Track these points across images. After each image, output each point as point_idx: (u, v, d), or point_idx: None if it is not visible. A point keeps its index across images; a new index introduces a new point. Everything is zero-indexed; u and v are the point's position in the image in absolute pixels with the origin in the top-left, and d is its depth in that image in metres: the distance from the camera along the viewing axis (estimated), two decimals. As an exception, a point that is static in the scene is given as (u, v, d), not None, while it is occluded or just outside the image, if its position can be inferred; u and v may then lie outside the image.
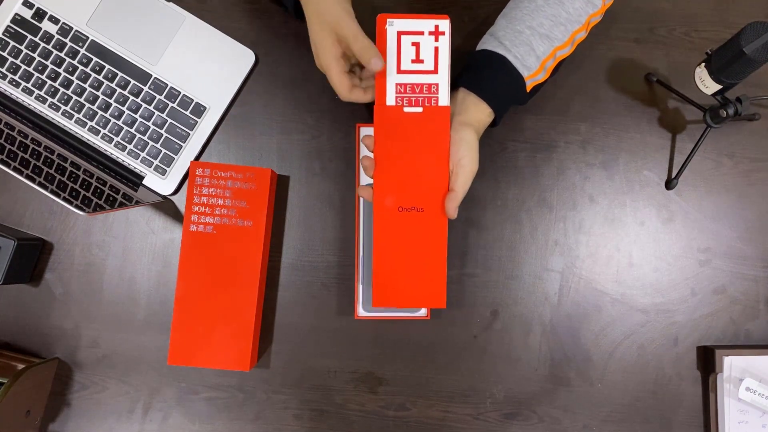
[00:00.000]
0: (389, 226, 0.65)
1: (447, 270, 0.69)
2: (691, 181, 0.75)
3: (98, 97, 0.75)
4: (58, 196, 0.73)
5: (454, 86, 0.66)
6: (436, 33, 0.64)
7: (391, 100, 0.63)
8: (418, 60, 0.63)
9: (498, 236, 0.74)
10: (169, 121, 0.75)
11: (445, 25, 0.63)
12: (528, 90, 0.65)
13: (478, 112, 0.65)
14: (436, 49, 0.64)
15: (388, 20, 0.63)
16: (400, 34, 0.63)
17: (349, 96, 0.63)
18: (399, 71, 0.63)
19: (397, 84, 0.63)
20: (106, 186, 0.74)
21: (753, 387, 0.70)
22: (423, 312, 0.71)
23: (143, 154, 0.75)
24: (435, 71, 0.64)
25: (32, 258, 0.75)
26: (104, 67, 0.75)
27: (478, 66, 0.65)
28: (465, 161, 0.63)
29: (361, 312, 0.71)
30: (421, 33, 0.64)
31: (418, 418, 0.73)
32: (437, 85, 0.64)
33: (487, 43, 0.66)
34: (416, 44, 0.64)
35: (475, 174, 0.64)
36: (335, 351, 0.74)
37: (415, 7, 0.77)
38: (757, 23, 0.56)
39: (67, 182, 0.74)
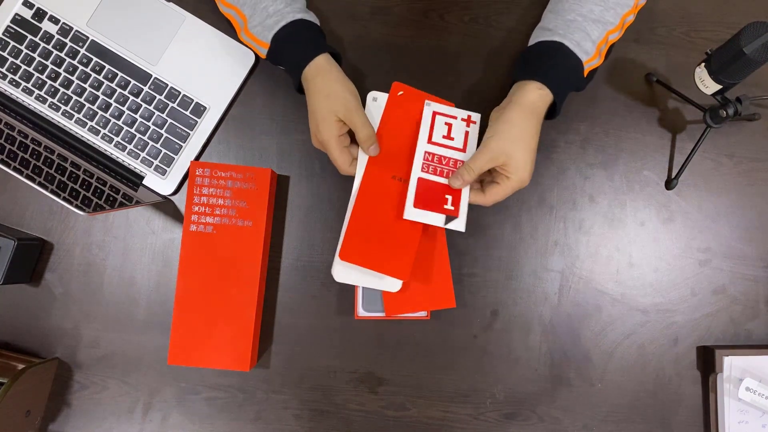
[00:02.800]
0: (376, 190, 0.68)
1: (448, 266, 0.71)
2: (691, 181, 0.75)
3: (98, 97, 0.75)
4: (58, 196, 0.73)
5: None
6: (468, 121, 0.69)
7: (417, 166, 0.67)
8: (449, 137, 0.68)
9: (498, 236, 0.74)
10: (169, 121, 0.75)
11: (476, 117, 0.69)
12: (585, 74, 0.65)
13: (526, 91, 0.64)
14: (467, 133, 0.69)
15: (426, 101, 0.69)
16: (435, 113, 0.69)
17: (348, 170, 0.67)
18: (429, 141, 0.68)
19: (426, 152, 0.67)
20: (106, 186, 0.74)
21: (753, 387, 0.70)
22: (423, 312, 0.71)
23: (143, 154, 0.75)
24: (463, 150, 0.68)
25: (32, 258, 0.75)
26: (104, 67, 0.75)
27: (534, 57, 0.66)
28: (491, 133, 0.64)
29: (361, 312, 0.71)
30: (454, 117, 0.69)
31: (418, 418, 0.73)
32: (462, 162, 0.67)
33: (539, 37, 0.66)
34: (449, 125, 0.69)
35: (506, 153, 0.63)
36: (335, 351, 0.74)
37: (414, 7, 0.77)
38: (757, 23, 0.56)
39: (67, 182, 0.74)
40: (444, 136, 0.68)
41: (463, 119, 0.69)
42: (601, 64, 0.68)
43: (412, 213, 0.65)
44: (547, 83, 0.63)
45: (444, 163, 0.67)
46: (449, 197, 0.66)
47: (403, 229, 0.67)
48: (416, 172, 0.66)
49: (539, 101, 0.64)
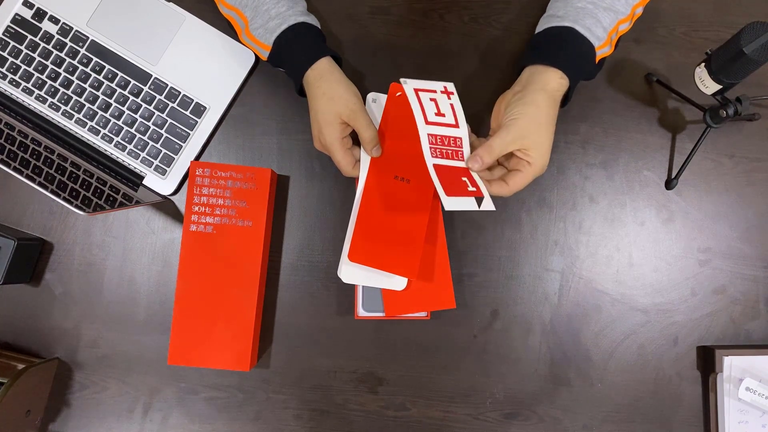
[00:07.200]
0: (380, 191, 0.68)
1: (448, 267, 0.71)
2: (691, 181, 0.75)
3: (98, 97, 0.75)
4: (58, 196, 0.73)
5: (518, 69, 0.67)
6: (447, 93, 0.67)
7: (427, 152, 0.64)
8: (440, 113, 0.66)
9: (498, 236, 0.74)
10: (169, 121, 0.75)
11: (452, 86, 0.68)
12: (596, 61, 0.65)
13: (547, 77, 0.63)
14: (452, 105, 0.67)
15: (402, 79, 0.66)
16: (416, 90, 0.66)
17: (352, 172, 0.67)
18: (426, 123, 0.65)
19: (429, 134, 0.64)
20: (106, 186, 0.74)
21: (753, 387, 0.70)
22: (423, 312, 0.71)
23: (143, 154, 0.75)
24: (456, 125, 0.66)
25: (32, 258, 0.75)
26: (104, 67, 0.75)
27: (545, 42, 0.65)
28: (516, 115, 0.61)
29: (361, 312, 0.71)
30: (434, 91, 0.67)
31: (418, 418, 0.73)
32: (460, 138, 0.66)
33: (548, 23, 0.65)
34: (434, 100, 0.66)
35: (531, 136, 0.61)
36: (335, 351, 0.74)
37: (415, 7, 0.77)
38: (757, 23, 0.56)
39: (67, 182, 0.74)
40: (436, 114, 0.66)
41: (442, 92, 0.67)
42: (609, 55, 0.67)
43: (450, 203, 0.59)
44: (563, 69, 0.63)
45: (447, 143, 0.65)
46: (465, 179, 0.62)
47: (408, 228, 0.68)
48: (429, 160, 0.62)
49: (560, 89, 0.64)
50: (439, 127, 0.65)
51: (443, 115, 0.66)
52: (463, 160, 0.65)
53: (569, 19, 0.64)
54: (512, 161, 0.65)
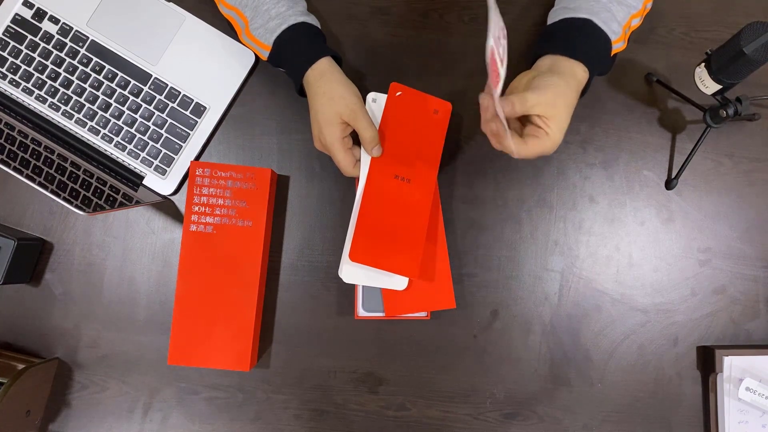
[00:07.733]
0: (380, 190, 0.68)
1: (448, 267, 0.71)
2: (691, 181, 0.75)
3: (98, 97, 0.75)
4: (58, 196, 0.73)
5: (533, 58, 0.66)
6: (503, 33, 0.60)
7: (491, 44, 0.55)
8: (499, 41, 0.58)
9: (498, 236, 0.74)
10: (169, 121, 0.75)
11: (505, 32, 0.60)
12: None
13: (572, 68, 0.62)
14: (504, 46, 0.60)
15: None
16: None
17: (352, 172, 0.67)
18: (493, 34, 0.56)
19: (491, 46, 0.55)
20: (106, 186, 0.74)
21: (753, 387, 0.70)
22: (423, 312, 0.71)
23: (143, 154, 0.75)
24: (503, 63, 0.59)
25: (32, 258, 0.75)
26: (104, 67, 0.75)
27: (563, 33, 0.64)
28: (552, 83, 0.59)
29: (361, 312, 0.71)
30: (498, 22, 0.58)
31: (418, 418, 0.73)
32: (500, 78, 0.59)
33: (562, 15, 0.65)
34: (502, 28, 0.59)
35: (558, 108, 0.59)
36: (335, 351, 0.74)
37: (414, 7, 0.77)
38: (757, 23, 0.56)
39: (67, 182, 0.74)
40: (497, 38, 0.58)
41: (501, 28, 0.59)
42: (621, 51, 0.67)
43: (497, 93, 0.56)
44: (585, 62, 0.62)
45: (492, 66, 0.57)
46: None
47: (409, 227, 0.68)
48: (488, 54, 0.55)
49: (583, 82, 0.63)
50: (496, 49, 0.57)
51: (501, 47, 0.59)
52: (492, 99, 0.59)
53: (583, 11, 0.63)
54: (528, 128, 0.62)
